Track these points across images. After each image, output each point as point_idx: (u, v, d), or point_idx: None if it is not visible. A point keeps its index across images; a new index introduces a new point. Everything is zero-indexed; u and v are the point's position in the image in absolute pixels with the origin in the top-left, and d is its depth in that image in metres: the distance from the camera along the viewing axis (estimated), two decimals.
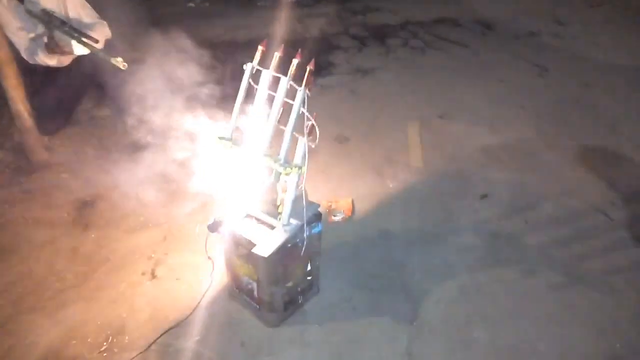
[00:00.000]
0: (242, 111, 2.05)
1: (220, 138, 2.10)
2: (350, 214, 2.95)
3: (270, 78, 2.01)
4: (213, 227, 2.14)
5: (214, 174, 2.30)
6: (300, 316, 2.37)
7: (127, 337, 2.25)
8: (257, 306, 2.30)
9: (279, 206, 2.15)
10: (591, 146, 3.69)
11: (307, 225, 2.13)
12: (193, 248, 2.69)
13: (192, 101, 2.80)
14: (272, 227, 2.15)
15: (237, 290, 2.37)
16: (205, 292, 2.41)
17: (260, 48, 2.01)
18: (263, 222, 2.19)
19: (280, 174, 2.01)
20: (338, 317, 2.37)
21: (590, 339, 2.29)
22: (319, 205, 2.22)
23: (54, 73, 3.15)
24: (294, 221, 2.15)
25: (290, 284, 2.26)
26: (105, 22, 3.22)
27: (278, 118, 1.97)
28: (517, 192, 3.18)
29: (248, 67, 2.02)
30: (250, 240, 2.10)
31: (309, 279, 2.37)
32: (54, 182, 3.16)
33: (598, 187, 3.26)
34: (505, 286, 2.53)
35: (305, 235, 2.15)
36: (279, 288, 2.21)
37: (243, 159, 2.10)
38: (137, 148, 3.22)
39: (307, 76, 1.88)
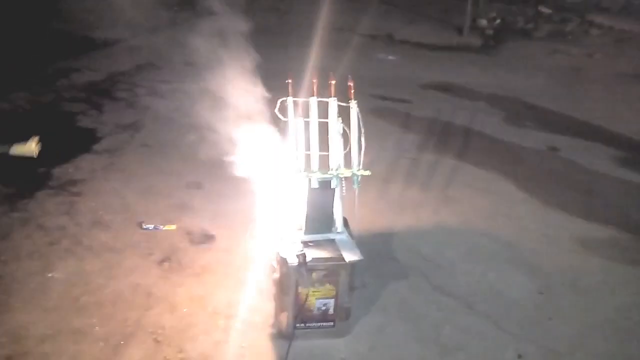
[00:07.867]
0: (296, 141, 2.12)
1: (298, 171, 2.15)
2: None
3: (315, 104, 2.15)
4: (302, 262, 2.12)
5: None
6: None
7: None
8: (332, 323, 2.38)
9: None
10: None
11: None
12: None
13: None
14: (330, 240, 2.31)
15: (302, 324, 2.35)
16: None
17: (289, 81, 2.11)
18: (317, 241, 2.30)
19: (342, 180, 2.21)
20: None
21: None
22: None
23: None
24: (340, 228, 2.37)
25: None
26: None
27: (341, 132, 2.15)
28: None
29: (290, 101, 2.09)
30: (332, 257, 2.21)
31: None
32: None
33: None
34: None
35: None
36: (352, 292, 2.37)
37: (311, 182, 2.16)
38: None
39: (351, 91, 2.15)
